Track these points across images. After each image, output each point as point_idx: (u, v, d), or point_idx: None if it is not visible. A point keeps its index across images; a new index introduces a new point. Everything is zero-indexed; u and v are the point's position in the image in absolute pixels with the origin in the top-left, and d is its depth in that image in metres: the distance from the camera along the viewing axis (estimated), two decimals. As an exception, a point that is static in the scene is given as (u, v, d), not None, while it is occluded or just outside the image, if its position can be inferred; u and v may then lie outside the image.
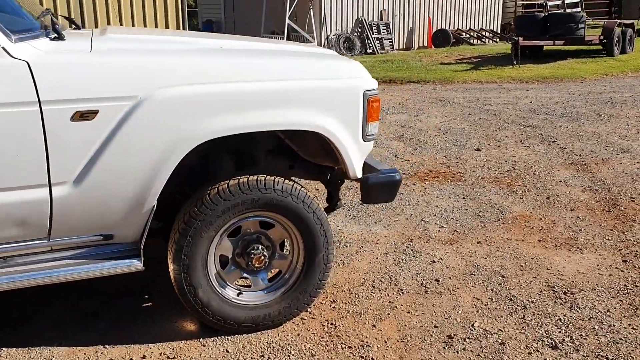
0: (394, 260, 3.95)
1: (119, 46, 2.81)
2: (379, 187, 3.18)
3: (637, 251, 4.03)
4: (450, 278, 3.70)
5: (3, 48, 2.42)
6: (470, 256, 4.02)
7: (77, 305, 3.33)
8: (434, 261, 3.94)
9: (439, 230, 4.46)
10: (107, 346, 2.97)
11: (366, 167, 3.28)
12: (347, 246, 4.16)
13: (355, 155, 3.04)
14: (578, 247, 4.12)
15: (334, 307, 3.36)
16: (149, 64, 2.66)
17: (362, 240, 4.27)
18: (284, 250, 3.20)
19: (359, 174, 3.10)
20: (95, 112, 2.53)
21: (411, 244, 4.22)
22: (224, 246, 3.01)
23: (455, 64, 15.43)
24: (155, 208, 2.74)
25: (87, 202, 2.62)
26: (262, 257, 3.00)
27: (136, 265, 2.73)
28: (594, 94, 10.29)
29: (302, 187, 3.01)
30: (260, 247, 3.01)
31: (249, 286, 3.12)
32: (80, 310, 3.29)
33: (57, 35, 2.68)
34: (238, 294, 3.07)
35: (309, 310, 3.30)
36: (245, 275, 3.08)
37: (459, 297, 3.47)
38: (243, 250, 3.02)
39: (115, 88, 2.56)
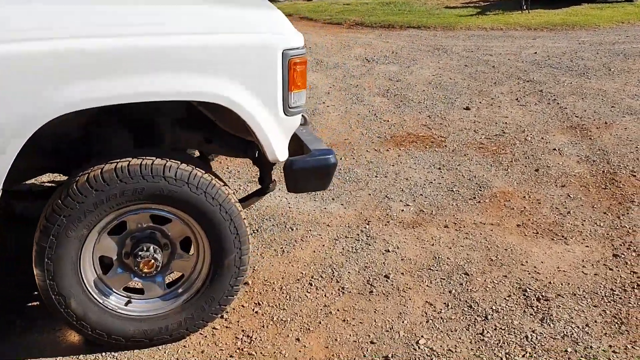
0: (343, 249, 3.35)
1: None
2: (306, 173, 2.54)
3: (631, 242, 3.40)
4: (402, 274, 3.11)
5: None
6: (433, 244, 3.41)
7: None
8: (388, 250, 3.34)
9: (402, 210, 3.84)
10: (-37, 364, 2.43)
11: (297, 145, 2.64)
12: (292, 229, 3.56)
13: (273, 132, 2.39)
14: (563, 236, 3.49)
15: (256, 312, 2.79)
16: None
17: (312, 222, 3.66)
18: (190, 251, 2.59)
19: (280, 156, 2.46)
20: None
21: (367, 227, 3.61)
22: (105, 246, 2.41)
23: (461, 7, 14.39)
24: None
25: None
26: (152, 261, 2.40)
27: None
28: (606, 44, 9.40)
29: (204, 173, 2.38)
30: (151, 248, 2.41)
31: (143, 292, 2.54)
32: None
33: None
34: (126, 303, 2.49)
35: (224, 316, 2.73)
36: (136, 279, 2.49)
37: (408, 301, 2.88)
38: (132, 250, 2.43)
39: None
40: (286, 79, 2.36)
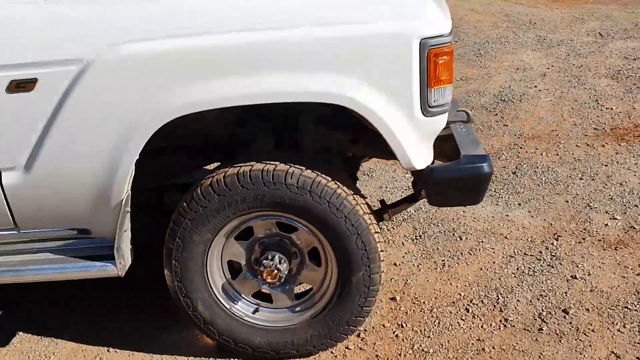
0: (517, 269, 2.84)
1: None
2: (450, 184, 2.13)
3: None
4: (588, 310, 2.51)
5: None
6: (639, 274, 2.71)
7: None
8: (575, 277, 2.74)
9: (606, 225, 3.14)
10: (110, 350, 2.55)
11: (452, 149, 2.24)
12: (460, 239, 3.13)
13: (407, 135, 2.03)
14: None
15: (396, 336, 2.48)
16: (102, 15, 1.97)
17: (487, 231, 3.18)
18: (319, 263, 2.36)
19: (417, 163, 2.09)
20: (34, 82, 1.96)
21: (555, 243, 3.01)
22: (233, 250, 2.31)
23: None
24: (129, 198, 2.14)
25: (42, 189, 2.11)
26: (275, 271, 2.23)
27: (111, 269, 2.19)
28: None
29: (329, 180, 2.12)
30: (276, 257, 2.24)
31: (271, 301, 2.40)
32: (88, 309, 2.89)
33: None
34: (254, 311, 2.37)
35: (361, 335, 2.48)
36: (264, 286, 2.35)
37: (587, 348, 2.31)
38: (260, 256, 2.29)
39: (56, 49, 1.95)
40: (425, 73, 1.97)
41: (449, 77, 2.02)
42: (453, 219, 3.30)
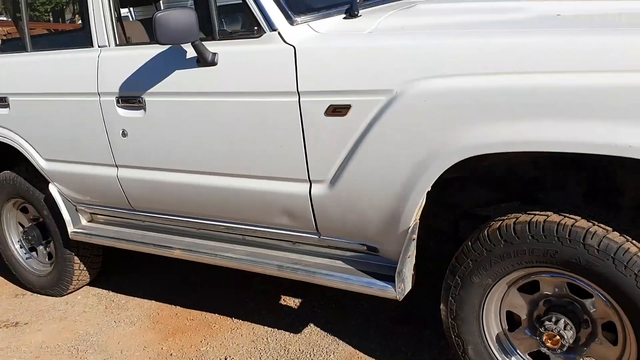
0: None
1: (411, 22, 2.23)
2: None
3: None
4: None
5: (278, 32, 2.26)
6: None
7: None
8: None
9: None
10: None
11: None
12: None
13: None
14: None
15: None
16: (418, 47, 2.01)
17: None
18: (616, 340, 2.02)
19: None
20: (348, 108, 2.12)
21: None
22: (514, 301, 2.15)
23: None
24: (416, 226, 2.15)
25: (342, 204, 2.27)
26: (557, 337, 2.00)
27: (390, 291, 2.24)
28: None
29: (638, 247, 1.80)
30: (561, 321, 2.01)
31: (549, 365, 2.16)
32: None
33: (348, 14, 2.34)
34: (528, 384, 2.17)
35: None
36: (543, 349, 2.13)
37: None
38: (543, 315, 2.09)
39: (369, 79, 2.06)
40: None
41: None
42: None
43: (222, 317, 3.17)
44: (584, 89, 1.71)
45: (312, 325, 2.99)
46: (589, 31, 1.83)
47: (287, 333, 2.95)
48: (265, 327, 3.03)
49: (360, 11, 2.37)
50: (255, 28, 2.30)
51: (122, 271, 3.82)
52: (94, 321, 3.34)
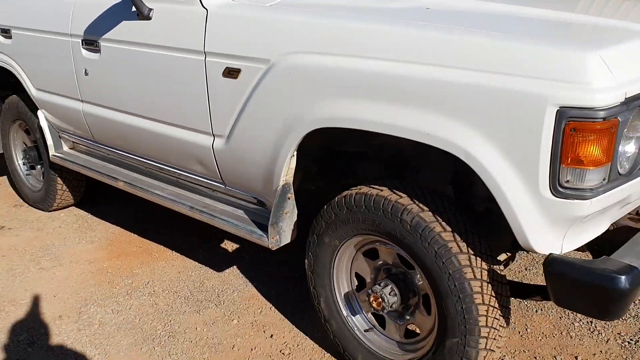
0: None
1: (306, 2, 2.43)
2: (568, 285, 1.74)
3: None
4: None
5: (199, -4, 2.53)
6: None
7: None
8: None
9: None
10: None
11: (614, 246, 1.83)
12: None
13: (526, 211, 1.74)
14: None
15: None
16: (296, 24, 2.22)
17: None
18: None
19: (536, 245, 1.78)
20: (239, 71, 2.37)
21: None
22: (360, 265, 2.38)
23: None
24: (289, 186, 2.40)
25: (235, 158, 2.55)
26: (380, 299, 2.21)
27: (264, 240, 2.51)
28: None
29: (445, 230, 1.98)
30: (388, 287, 2.22)
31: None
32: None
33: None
34: (367, 330, 2.40)
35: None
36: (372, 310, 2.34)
37: None
38: (378, 280, 2.31)
39: (256, 47, 2.30)
40: (558, 146, 1.64)
41: (594, 159, 1.63)
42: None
43: (165, 249, 3.55)
44: (406, 77, 1.89)
45: (234, 267, 3.31)
46: (429, 26, 1.98)
47: (210, 270, 3.29)
48: (196, 263, 3.38)
49: (280, -14, 2.59)
50: (182, -11, 2.58)
51: (108, 200, 4.26)
52: (63, 235, 3.81)
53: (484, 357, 2.03)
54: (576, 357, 2.51)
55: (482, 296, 1.97)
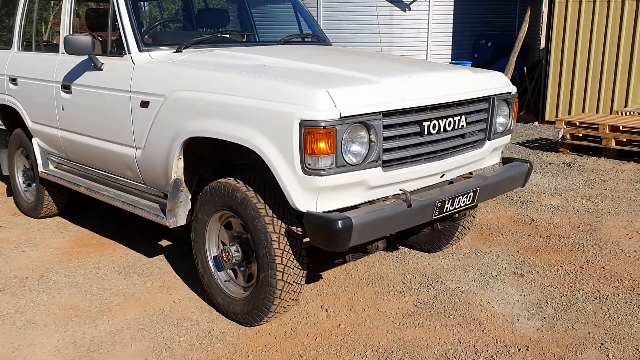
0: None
1: (192, 59, 3.64)
2: (315, 228, 2.84)
3: None
4: None
5: (130, 55, 3.77)
6: None
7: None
8: None
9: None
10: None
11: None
12: (449, 315, 3.41)
13: (292, 184, 2.85)
14: None
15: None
16: (178, 73, 3.45)
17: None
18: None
19: (300, 206, 2.88)
20: (148, 103, 3.57)
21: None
22: (222, 234, 3.47)
23: None
24: (180, 181, 3.52)
25: (148, 163, 3.71)
26: (227, 253, 3.30)
27: (164, 220, 3.64)
28: None
29: (260, 201, 3.08)
30: (234, 246, 3.31)
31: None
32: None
33: (178, 49, 3.80)
34: (226, 280, 3.48)
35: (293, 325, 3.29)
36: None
37: None
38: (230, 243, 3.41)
39: (159, 87, 3.51)
40: (302, 143, 2.76)
41: (322, 151, 2.73)
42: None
43: (116, 243, 4.69)
44: (233, 104, 3.06)
45: (162, 255, 4.42)
46: (244, 74, 3.18)
47: (144, 257, 4.40)
48: (135, 252, 4.49)
49: (188, 49, 3.83)
50: (123, 50, 3.84)
51: (84, 212, 5.44)
52: (43, 233, 4.98)
53: (282, 286, 3.09)
54: (378, 310, 3.53)
55: (279, 244, 3.05)
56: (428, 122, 3.11)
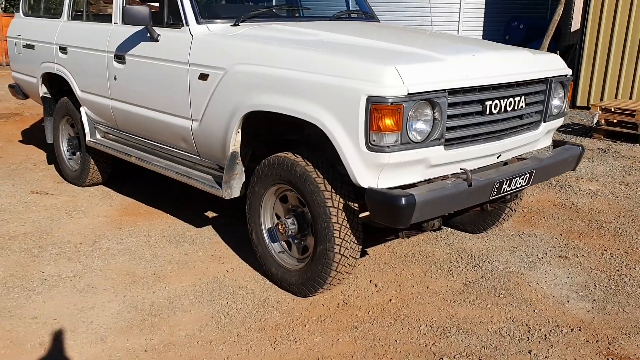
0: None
1: (251, 32, 3.66)
2: (377, 204, 2.88)
3: None
4: None
5: (189, 27, 3.80)
6: None
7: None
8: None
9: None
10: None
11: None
12: (499, 294, 3.46)
13: (355, 160, 2.88)
14: None
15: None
16: (239, 46, 3.48)
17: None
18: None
19: (361, 182, 2.92)
20: (207, 75, 3.62)
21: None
22: (278, 207, 3.54)
23: None
24: (237, 154, 3.58)
25: (205, 136, 3.77)
26: (284, 226, 3.37)
27: (219, 191, 3.70)
28: None
29: (319, 177, 3.13)
30: (290, 219, 3.38)
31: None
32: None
33: (235, 23, 3.83)
34: (280, 252, 3.55)
35: (344, 297, 3.37)
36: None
37: None
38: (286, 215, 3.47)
39: (218, 60, 3.55)
40: (368, 119, 2.79)
41: (388, 127, 2.76)
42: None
43: (163, 212, 4.78)
44: (296, 79, 3.09)
45: (210, 226, 4.50)
46: (310, 49, 3.20)
47: (192, 227, 4.49)
48: (183, 222, 4.58)
49: (244, 23, 3.86)
50: (180, 22, 3.87)
51: (128, 181, 5.54)
52: (89, 200, 5.08)
53: (339, 259, 3.15)
54: (427, 287, 3.59)
55: (337, 218, 3.10)
56: (490, 102, 3.13)
